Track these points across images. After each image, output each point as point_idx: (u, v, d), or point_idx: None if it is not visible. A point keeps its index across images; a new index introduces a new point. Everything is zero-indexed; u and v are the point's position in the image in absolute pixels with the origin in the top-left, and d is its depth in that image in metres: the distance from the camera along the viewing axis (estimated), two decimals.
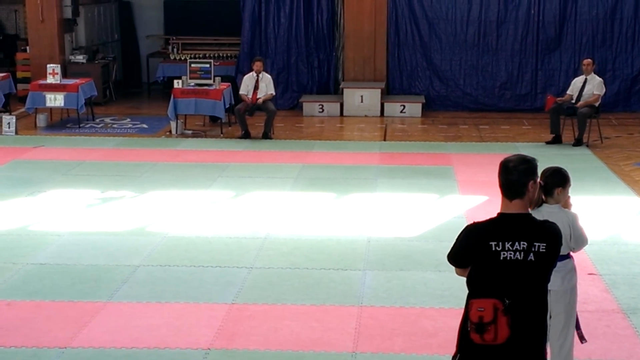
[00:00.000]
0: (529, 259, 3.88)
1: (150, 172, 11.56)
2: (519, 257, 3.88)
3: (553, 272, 5.09)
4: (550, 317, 5.27)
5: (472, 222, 4.05)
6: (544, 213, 4.97)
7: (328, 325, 6.55)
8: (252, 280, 7.51)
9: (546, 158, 11.78)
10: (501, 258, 3.87)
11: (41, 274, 7.63)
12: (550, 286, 5.10)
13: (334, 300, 7.05)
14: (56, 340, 6.24)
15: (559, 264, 5.15)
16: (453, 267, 4.18)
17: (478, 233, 3.95)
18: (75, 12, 17.49)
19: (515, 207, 3.94)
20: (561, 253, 5.11)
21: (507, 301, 3.85)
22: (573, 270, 5.35)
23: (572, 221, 5.22)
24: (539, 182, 5.00)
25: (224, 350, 6.12)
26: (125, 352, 6.08)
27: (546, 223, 4.02)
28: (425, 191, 10.56)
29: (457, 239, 4.06)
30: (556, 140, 13.37)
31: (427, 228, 9.03)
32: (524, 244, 3.88)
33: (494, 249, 3.88)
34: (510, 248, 3.87)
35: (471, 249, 3.95)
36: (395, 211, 9.73)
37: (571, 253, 5.30)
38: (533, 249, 3.88)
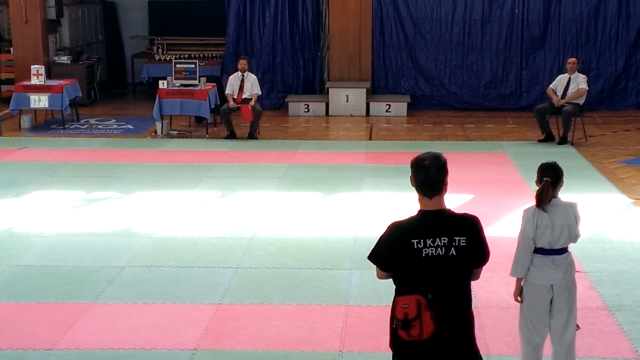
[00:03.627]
0: (450, 253, 3.91)
1: (136, 173, 11.53)
2: (440, 252, 3.91)
3: (554, 267, 5.16)
4: (552, 311, 5.31)
5: (392, 221, 4.05)
6: (549, 207, 5.14)
7: (315, 324, 6.55)
8: (238, 280, 7.50)
9: (530, 156, 11.84)
10: (423, 255, 3.90)
11: (26, 276, 7.59)
12: (552, 281, 5.16)
13: (320, 299, 7.05)
14: (41, 342, 6.21)
15: (559, 257, 5.21)
16: None
17: (400, 232, 3.97)
18: (59, 13, 17.41)
19: (435, 203, 4.01)
20: (563, 245, 5.18)
21: (430, 296, 3.87)
22: (572, 263, 5.41)
23: (575, 210, 5.31)
24: (546, 180, 5.06)
25: (211, 350, 6.11)
26: (112, 353, 6.06)
27: (464, 217, 4.05)
28: (411, 190, 10.52)
29: (380, 240, 4.05)
30: (549, 138, 13.41)
31: None
32: (444, 239, 3.91)
33: (415, 246, 3.90)
34: (432, 244, 3.90)
35: (395, 249, 3.95)
36: (381, 210, 9.73)
37: (569, 247, 5.35)
38: (454, 244, 3.92)
